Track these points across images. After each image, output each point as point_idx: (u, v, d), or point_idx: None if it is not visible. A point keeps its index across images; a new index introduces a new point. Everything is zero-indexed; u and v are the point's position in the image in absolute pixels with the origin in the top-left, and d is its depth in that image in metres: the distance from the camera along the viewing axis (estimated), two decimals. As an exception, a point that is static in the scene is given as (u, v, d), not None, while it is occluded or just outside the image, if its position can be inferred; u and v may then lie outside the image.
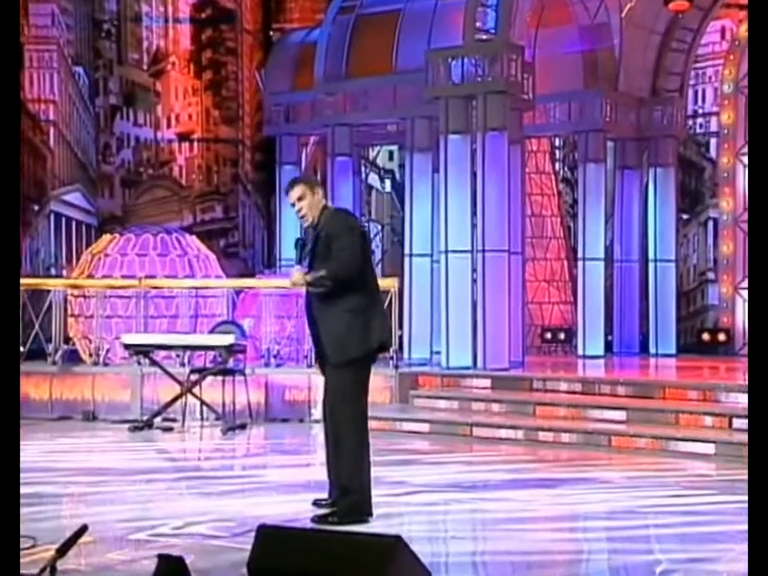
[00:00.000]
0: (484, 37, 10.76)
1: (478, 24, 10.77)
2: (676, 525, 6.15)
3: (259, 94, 16.83)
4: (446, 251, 10.89)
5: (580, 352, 12.89)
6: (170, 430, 10.26)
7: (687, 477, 7.75)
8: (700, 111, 14.77)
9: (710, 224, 14.94)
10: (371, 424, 10.22)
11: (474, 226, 10.88)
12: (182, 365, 11.15)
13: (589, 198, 12.85)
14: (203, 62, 16.88)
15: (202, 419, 10.78)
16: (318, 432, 10.03)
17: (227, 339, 10.10)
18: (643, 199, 13.70)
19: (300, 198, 6.00)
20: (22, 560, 5.36)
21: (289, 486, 7.35)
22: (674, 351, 13.38)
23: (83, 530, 4.92)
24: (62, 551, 4.81)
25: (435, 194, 11.74)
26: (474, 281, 10.85)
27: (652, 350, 13.43)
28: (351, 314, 5.92)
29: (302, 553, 4.20)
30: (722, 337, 13.54)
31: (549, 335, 13.52)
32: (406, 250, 11.99)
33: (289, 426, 10.63)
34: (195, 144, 16.70)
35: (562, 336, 13.46)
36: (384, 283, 11.38)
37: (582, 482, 7.49)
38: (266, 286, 11.38)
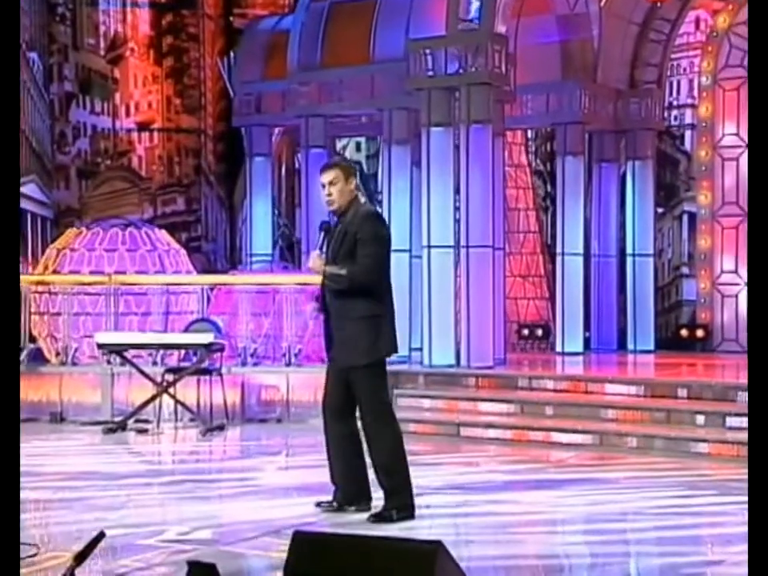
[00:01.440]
0: (467, 27, 10.86)
1: (460, 13, 10.86)
2: (688, 526, 6.32)
3: (221, 82, 16.82)
4: (428, 246, 10.99)
5: (558, 349, 13.07)
6: (144, 431, 10.25)
7: (688, 476, 7.93)
8: (675, 103, 14.99)
9: (685, 218, 15.21)
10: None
11: (456, 221, 10.99)
12: (154, 363, 11.15)
13: (567, 192, 13.03)
14: (164, 49, 16.81)
15: (175, 420, 10.80)
16: (300, 433, 10.14)
17: (206, 338, 10.12)
18: (620, 193, 13.91)
19: (332, 183, 6.16)
20: (27, 569, 5.42)
21: (286, 489, 7.42)
22: (652, 347, 13.62)
23: (101, 536, 4.96)
24: (80, 559, 4.84)
25: (414, 187, 11.84)
26: (457, 277, 10.97)
27: (630, 347, 13.66)
28: (365, 321, 6.17)
29: (340, 559, 4.27)
30: (700, 333, 13.80)
31: (526, 332, 13.68)
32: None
33: (267, 427, 10.67)
34: (156, 134, 16.63)
35: (539, 333, 13.63)
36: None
37: (584, 482, 7.64)
38: (243, 282, 11.41)
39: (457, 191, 10.96)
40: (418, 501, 6.94)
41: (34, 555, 5.59)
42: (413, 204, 11.86)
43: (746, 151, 13.72)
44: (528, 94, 12.99)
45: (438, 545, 4.21)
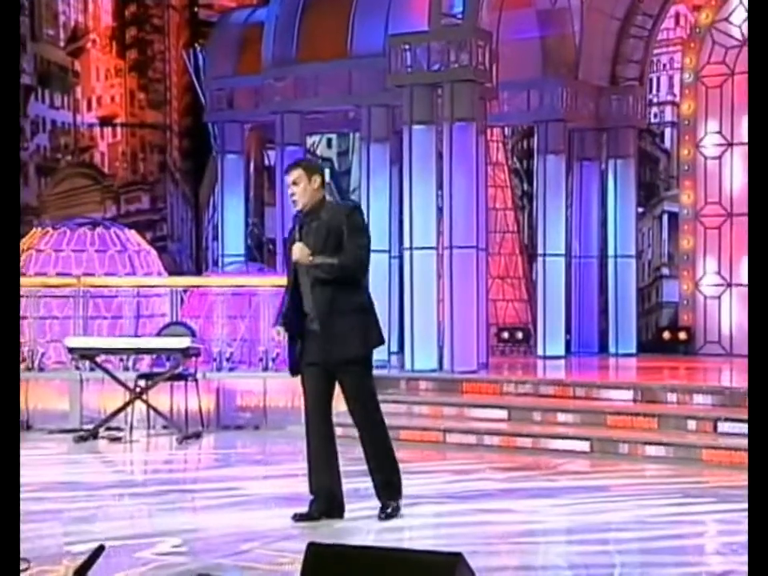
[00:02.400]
0: (450, 21, 10.92)
1: (443, 7, 10.92)
2: (691, 536, 6.42)
3: (187, 76, 16.78)
4: (411, 248, 11.04)
5: (539, 352, 13.18)
6: (117, 440, 10.22)
7: (683, 484, 8.03)
8: (655, 100, 15.15)
9: (665, 218, 15.39)
10: (336, 431, 10.42)
11: (439, 221, 11.06)
12: (125, 369, 11.12)
13: (549, 191, 13.14)
14: (127, 40, 16.75)
15: (148, 428, 10.78)
16: (279, 440, 10.16)
17: (183, 342, 10.10)
18: (601, 192, 14.05)
19: (295, 182, 6.32)
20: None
21: (276, 498, 7.44)
22: (634, 351, 13.77)
23: (100, 549, 4.97)
24: (80, 573, 4.86)
25: (393, 187, 11.89)
26: (440, 278, 11.03)
27: (612, 350, 13.80)
28: (356, 314, 6.35)
29: (357, 572, 4.31)
30: (682, 335, 13.96)
31: (506, 335, 13.77)
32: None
33: (245, 434, 10.68)
34: (119, 129, 16.57)
35: (519, 336, 13.73)
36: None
37: (579, 491, 7.72)
38: (219, 284, 11.40)
39: (440, 190, 11.02)
40: (411, 510, 7.02)
41: (26, 570, 5.57)
42: (392, 204, 11.92)
43: (729, 149, 13.92)
44: (508, 91, 13.06)
45: (457, 557, 4.26)
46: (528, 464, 8.84)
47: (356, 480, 6.84)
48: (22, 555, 5.64)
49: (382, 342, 6.51)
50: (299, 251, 6.23)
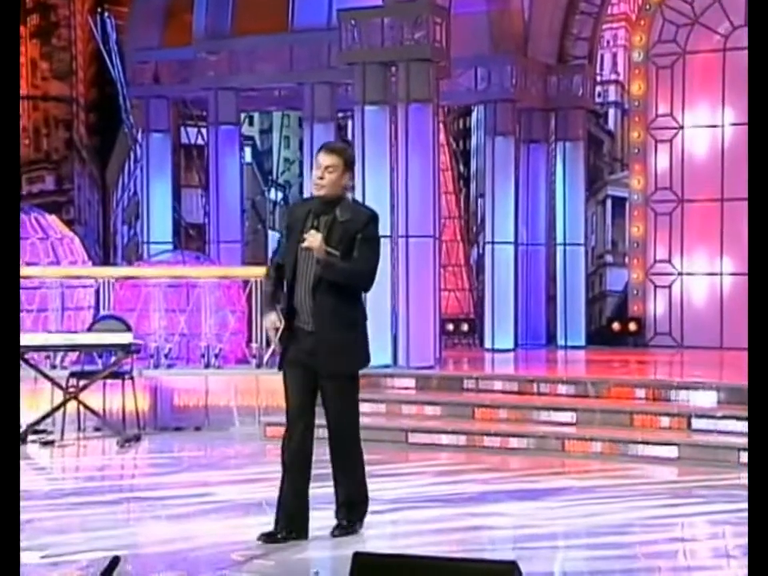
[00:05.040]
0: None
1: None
2: (695, 538, 6.85)
3: (94, 44, 16.76)
4: (362, 236, 11.27)
5: (488, 345, 13.57)
6: (50, 443, 10.30)
7: (665, 484, 8.49)
8: (598, 79, 15.57)
9: (609, 203, 15.92)
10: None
11: (392, 207, 11.32)
12: (53, 367, 11.19)
13: (498, 175, 13.52)
14: (27, 4, 16.62)
15: (78, 430, 10.85)
16: (225, 442, 10.34)
17: (125, 338, 10.21)
18: (550, 176, 14.49)
19: (329, 169, 6.25)
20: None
21: (249, 505, 7.64)
22: (583, 343, 14.26)
23: (116, 561, 5.17)
24: (101, 586, 5.06)
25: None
26: (393, 268, 11.29)
27: (560, 342, 14.28)
28: (354, 328, 6.41)
29: (407, 583, 4.58)
30: (632, 326, 14.50)
31: (450, 327, 14.13)
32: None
33: (186, 436, 10.78)
34: (20, 102, 16.43)
35: (464, 327, 14.10)
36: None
37: (564, 492, 8.09)
38: (158, 275, 11.52)
39: (393, 175, 11.27)
40: (397, 515, 7.33)
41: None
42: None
43: (681, 132, 14.48)
44: (454, 68, 13.36)
45: (512, 565, 4.56)
46: (499, 464, 9.22)
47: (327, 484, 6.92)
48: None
49: (369, 361, 6.58)
50: (316, 240, 6.14)
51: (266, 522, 6.58)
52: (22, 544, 6.57)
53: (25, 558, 6.31)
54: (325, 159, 6.27)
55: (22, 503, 7.59)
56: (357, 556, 4.68)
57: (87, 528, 7.03)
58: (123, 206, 17.39)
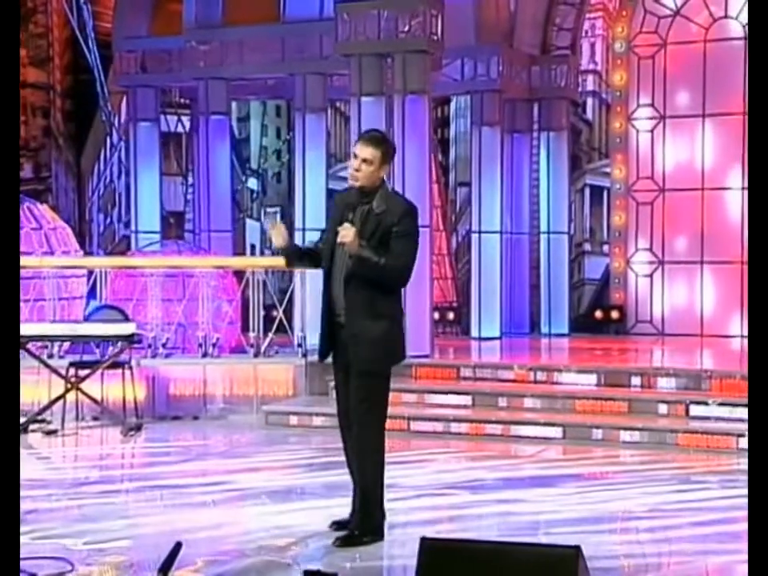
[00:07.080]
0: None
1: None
2: (717, 521, 7.16)
3: (69, 29, 16.83)
4: (359, 226, 11.51)
5: (474, 334, 13.84)
6: (53, 432, 10.46)
7: (671, 469, 8.82)
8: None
9: (587, 192, 16.25)
10: (290, 420, 10.88)
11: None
12: (50, 356, 11.33)
13: (484, 166, 13.77)
14: (4, -10, 16.63)
15: (77, 419, 11.02)
16: (224, 430, 10.54)
17: (128, 328, 10.38)
18: (533, 166, 14.78)
19: (367, 161, 6.20)
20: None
21: (274, 492, 7.88)
22: (566, 331, 14.60)
23: (178, 547, 5.41)
24: (165, 572, 5.30)
25: (330, 160, 12.36)
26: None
27: (544, 330, 14.60)
28: (389, 321, 6.31)
29: (475, 567, 4.85)
30: (615, 314, 14.85)
31: (436, 315, 14.37)
32: (297, 225, 12.54)
33: (186, 425, 10.97)
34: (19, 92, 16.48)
35: (450, 316, 14.38)
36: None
37: (575, 478, 8.40)
38: (155, 265, 11.67)
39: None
40: (417, 502, 7.60)
41: (70, 571, 5.94)
42: (329, 179, 12.38)
43: (662, 122, 14.83)
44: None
45: (576, 549, 4.83)
46: (504, 451, 9.51)
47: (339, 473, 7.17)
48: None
49: (401, 359, 6.49)
50: (348, 236, 6.03)
51: (300, 507, 6.82)
52: (57, 531, 6.84)
53: (67, 544, 6.53)
54: (362, 151, 6.22)
55: (47, 492, 7.87)
56: (424, 540, 4.96)
57: (122, 516, 7.23)
58: (99, 194, 17.50)
